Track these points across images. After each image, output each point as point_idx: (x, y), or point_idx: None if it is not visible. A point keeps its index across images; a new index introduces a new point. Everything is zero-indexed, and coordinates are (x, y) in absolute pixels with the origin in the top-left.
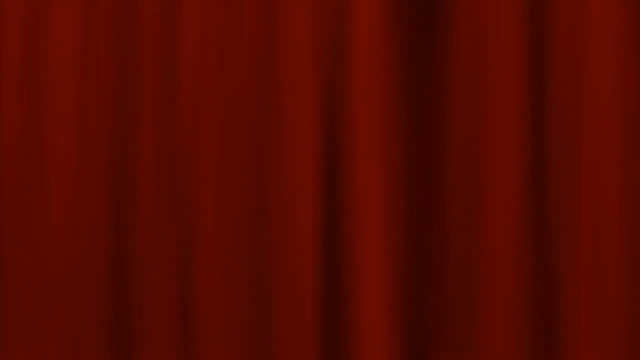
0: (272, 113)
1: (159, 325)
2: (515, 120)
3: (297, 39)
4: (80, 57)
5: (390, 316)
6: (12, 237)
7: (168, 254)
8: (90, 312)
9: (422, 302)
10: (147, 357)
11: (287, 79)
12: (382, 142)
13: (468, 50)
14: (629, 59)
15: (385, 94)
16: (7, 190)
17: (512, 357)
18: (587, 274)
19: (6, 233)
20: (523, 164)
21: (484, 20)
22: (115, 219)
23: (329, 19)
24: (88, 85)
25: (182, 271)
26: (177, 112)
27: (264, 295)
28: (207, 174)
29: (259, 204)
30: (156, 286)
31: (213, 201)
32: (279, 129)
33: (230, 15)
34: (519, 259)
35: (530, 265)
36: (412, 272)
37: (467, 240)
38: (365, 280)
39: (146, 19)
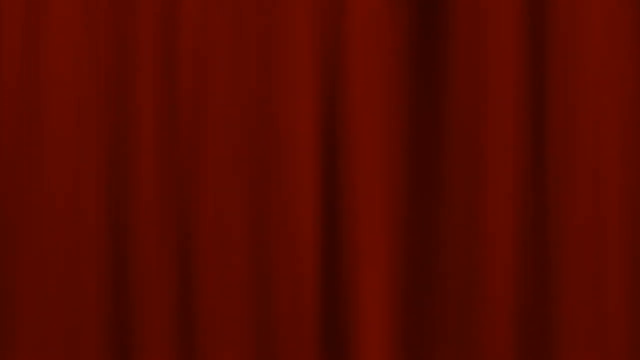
0: (272, 112)
1: (159, 325)
2: (514, 120)
3: (297, 38)
4: (79, 56)
5: (390, 316)
6: (12, 237)
7: (168, 254)
8: (90, 312)
9: (422, 302)
10: (147, 357)
11: (287, 79)
12: (382, 142)
13: (468, 50)
14: (628, 59)
15: (385, 94)
16: (7, 190)
17: (511, 357)
18: (587, 274)
19: (6, 233)
20: (522, 163)
21: (484, 21)
22: (115, 219)
23: (329, 19)
24: (88, 84)
25: (182, 271)
26: (177, 112)
27: (264, 295)
28: (207, 174)
29: (259, 203)
30: (156, 286)
31: (213, 201)
32: (279, 129)
33: (230, 15)
34: (518, 260)
35: (530, 266)
36: (412, 272)
37: (467, 241)
38: (365, 280)
39: (146, 19)
